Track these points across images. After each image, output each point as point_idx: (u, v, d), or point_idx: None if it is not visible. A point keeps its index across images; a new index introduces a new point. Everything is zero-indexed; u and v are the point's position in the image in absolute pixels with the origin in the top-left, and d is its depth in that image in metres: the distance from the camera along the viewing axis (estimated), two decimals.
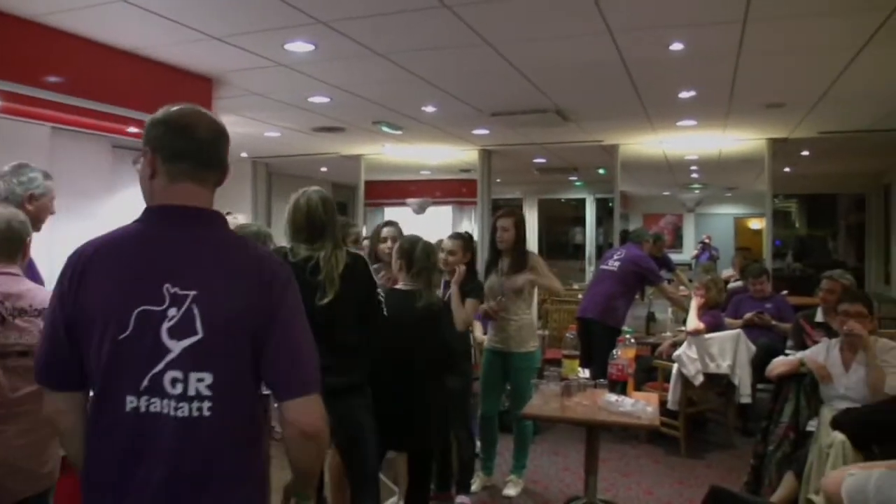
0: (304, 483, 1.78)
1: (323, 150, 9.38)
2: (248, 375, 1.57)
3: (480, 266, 5.02)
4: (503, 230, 4.58)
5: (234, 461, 1.56)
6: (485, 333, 5.04)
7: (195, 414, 1.49)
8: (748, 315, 6.31)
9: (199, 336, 1.50)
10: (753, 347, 5.60)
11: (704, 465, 5.26)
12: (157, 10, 3.84)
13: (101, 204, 4.87)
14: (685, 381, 5.43)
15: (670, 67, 4.99)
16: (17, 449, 2.32)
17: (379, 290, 3.10)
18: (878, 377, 3.63)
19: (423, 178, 11.49)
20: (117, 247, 1.59)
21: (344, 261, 2.94)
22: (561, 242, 16.35)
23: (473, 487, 4.58)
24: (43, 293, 2.44)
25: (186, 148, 1.61)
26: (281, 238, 3.30)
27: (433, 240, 3.82)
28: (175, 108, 1.66)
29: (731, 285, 7.71)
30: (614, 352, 4.08)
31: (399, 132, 7.72)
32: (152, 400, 1.49)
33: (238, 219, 4.66)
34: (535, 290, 4.74)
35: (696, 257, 13.28)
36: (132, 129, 4.73)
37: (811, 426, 3.88)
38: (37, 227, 2.90)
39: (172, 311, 1.50)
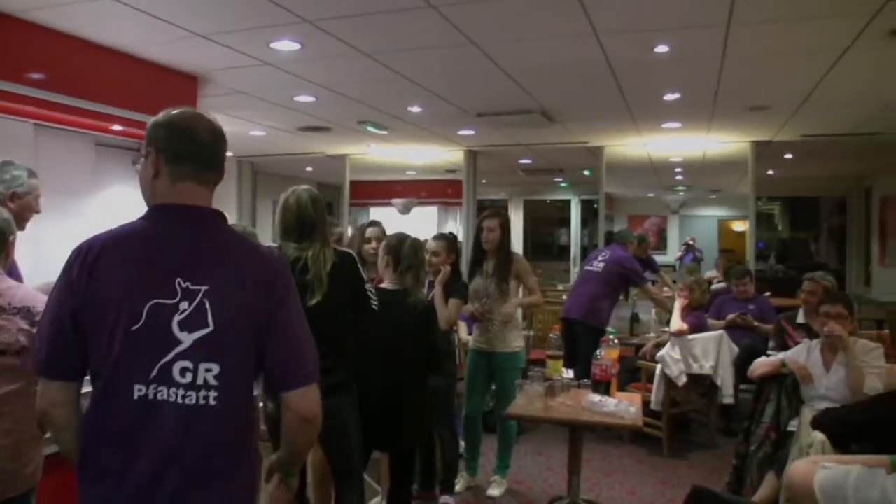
0: (294, 462, 1.93)
1: (308, 149, 9.36)
2: (250, 367, 1.68)
3: (465, 267, 5.02)
4: (489, 230, 4.58)
5: (233, 446, 1.65)
6: (469, 334, 5.05)
7: (202, 402, 1.58)
8: (731, 316, 6.36)
9: (210, 329, 1.59)
10: (736, 348, 5.64)
11: (687, 466, 5.29)
12: (141, 7, 3.81)
13: (85, 202, 4.83)
14: (668, 381, 5.46)
15: (655, 69, 5.02)
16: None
17: (368, 284, 3.10)
18: (857, 378, 3.66)
19: (408, 178, 11.50)
20: (127, 242, 1.65)
21: (332, 259, 2.94)
22: (546, 243, 16.40)
23: (457, 487, 4.58)
24: (22, 291, 2.41)
25: (189, 149, 1.69)
26: (265, 238, 3.29)
27: (420, 240, 3.82)
28: (176, 111, 1.73)
29: (715, 286, 7.77)
30: (598, 352, 4.08)
31: (384, 132, 7.72)
32: (160, 388, 1.56)
33: None
34: (521, 290, 4.74)
35: (681, 259, 13.37)
36: (116, 127, 4.70)
37: (792, 426, 3.91)
38: (21, 226, 2.86)
39: (184, 305, 1.59)
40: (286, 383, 1.71)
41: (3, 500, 2.33)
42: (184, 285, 1.60)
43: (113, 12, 3.87)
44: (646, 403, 5.14)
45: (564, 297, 7.22)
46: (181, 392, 1.57)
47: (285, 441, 1.80)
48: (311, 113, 6.76)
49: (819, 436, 3.36)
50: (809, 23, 3.99)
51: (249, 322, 1.65)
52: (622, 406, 3.63)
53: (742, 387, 5.77)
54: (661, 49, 4.48)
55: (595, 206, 10.43)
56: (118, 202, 5.00)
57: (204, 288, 1.61)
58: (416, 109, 6.59)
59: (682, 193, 14.06)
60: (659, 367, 5.51)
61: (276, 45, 4.50)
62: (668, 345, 5.56)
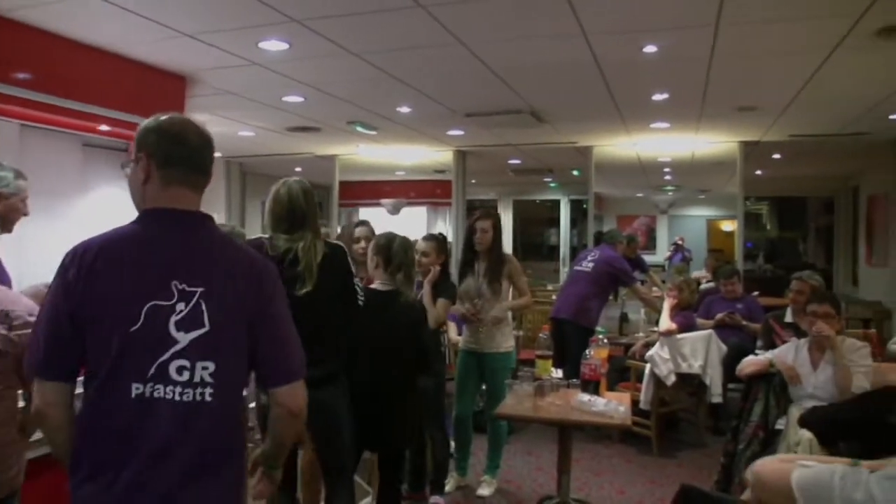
0: (279, 454, 1.99)
1: (297, 149, 9.34)
2: (243, 364, 1.76)
3: (454, 267, 5.02)
4: (482, 232, 4.57)
5: (226, 442, 1.73)
6: (459, 334, 5.04)
7: (198, 399, 1.65)
8: (719, 315, 6.39)
9: (206, 329, 1.66)
10: (724, 347, 5.66)
11: (676, 465, 5.30)
12: (128, 6, 3.78)
13: (72, 204, 4.80)
14: (657, 381, 5.47)
15: (644, 70, 5.03)
16: None
17: (356, 279, 3.09)
18: (845, 376, 3.68)
19: (397, 178, 11.48)
20: (122, 245, 1.70)
21: (323, 251, 2.95)
22: (535, 243, 16.42)
23: (447, 487, 4.58)
24: (2, 293, 2.39)
25: (179, 154, 1.75)
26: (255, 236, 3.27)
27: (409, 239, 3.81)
28: (165, 116, 1.80)
29: (703, 286, 7.80)
30: (587, 352, 4.09)
31: (374, 132, 7.71)
32: (157, 386, 1.62)
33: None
34: (511, 291, 4.75)
35: (670, 259, 13.41)
36: (104, 128, 4.66)
37: (780, 425, 3.93)
38: (7, 228, 2.84)
39: (181, 306, 1.65)
40: (275, 379, 1.80)
41: None
42: (180, 287, 1.66)
43: (100, 11, 3.84)
44: (635, 403, 5.16)
45: (554, 297, 7.23)
46: (178, 389, 1.63)
47: (272, 433, 1.91)
48: (299, 113, 6.75)
49: (806, 434, 3.38)
50: (797, 24, 4.01)
51: (242, 321, 1.73)
52: (611, 405, 3.64)
53: (730, 386, 5.80)
54: (650, 49, 4.50)
55: (584, 206, 10.44)
56: (106, 203, 4.97)
57: (200, 290, 1.67)
58: (405, 110, 6.58)
59: (670, 193, 14.12)
60: (648, 366, 5.52)
61: (264, 45, 4.49)
62: (657, 344, 5.58)
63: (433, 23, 4.01)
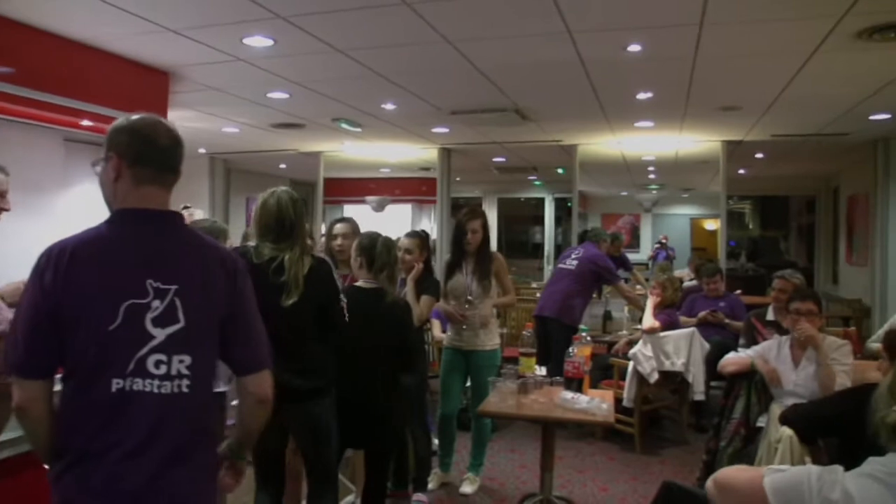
0: (247, 444, 2.07)
1: (282, 146, 9.29)
2: (215, 355, 1.86)
3: (436, 264, 5.01)
4: (473, 232, 4.56)
5: (201, 429, 1.81)
6: (443, 332, 5.04)
7: (175, 390, 1.72)
8: (702, 313, 6.44)
9: (181, 324, 1.74)
10: (707, 345, 5.70)
11: (658, 462, 5.34)
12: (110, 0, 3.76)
13: (54, 200, 4.75)
14: (640, 378, 5.51)
15: (628, 69, 5.05)
16: None
17: (342, 295, 3.09)
18: (828, 375, 3.71)
19: (382, 175, 11.45)
20: (98, 245, 1.75)
21: (309, 264, 2.95)
22: (520, 241, 16.45)
23: (431, 485, 4.58)
24: None
25: (150, 154, 1.80)
26: (236, 235, 3.26)
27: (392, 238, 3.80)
28: (136, 116, 1.85)
29: (686, 284, 7.85)
30: (571, 349, 4.11)
31: (359, 129, 7.69)
32: (136, 380, 1.69)
33: (195, 214, 4.58)
34: (494, 289, 4.75)
35: (654, 257, 13.47)
36: (86, 123, 4.61)
37: (761, 422, 3.96)
38: None
39: (156, 303, 1.73)
40: (244, 368, 1.91)
41: None
42: (155, 285, 1.73)
43: (81, 5, 3.80)
44: (618, 400, 5.20)
45: (538, 294, 7.25)
46: (157, 383, 1.70)
47: (240, 422, 1.99)
48: (284, 110, 6.72)
49: (787, 431, 3.40)
50: (779, 24, 4.04)
51: (215, 315, 1.82)
52: (594, 403, 3.65)
53: (713, 383, 5.84)
54: (634, 48, 4.51)
55: (569, 204, 10.49)
56: (88, 199, 4.91)
57: (174, 287, 1.74)
58: (390, 107, 6.57)
59: (654, 192, 14.18)
60: (631, 364, 5.55)
61: (248, 41, 4.46)
62: (641, 342, 5.61)
63: (418, 20, 4.00)
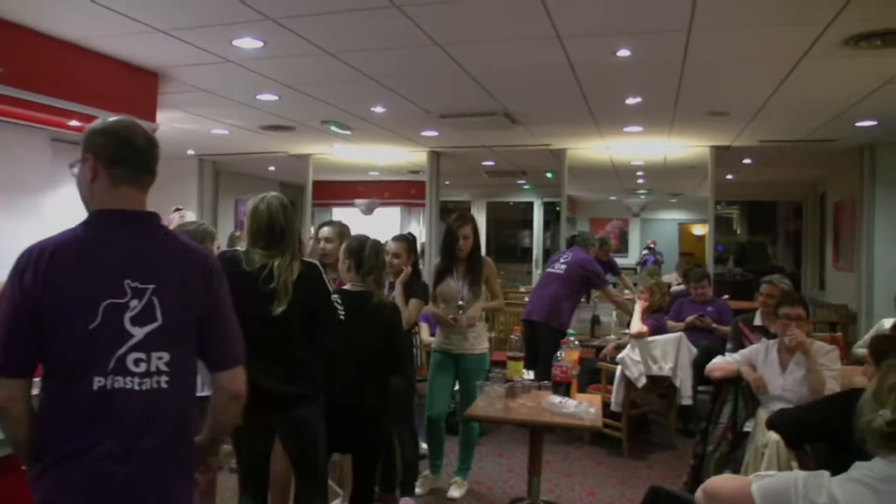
0: (219, 440, 2.12)
1: (271, 148, 9.27)
2: (193, 352, 1.89)
3: (425, 268, 5.00)
4: (464, 238, 4.54)
5: (182, 422, 1.85)
6: (431, 335, 5.03)
7: (155, 386, 1.76)
8: (690, 318, 6.45)
9: (159, 322, 1.78)
10: (695, 350, 5.71)
11: (646, 466, 5.34)
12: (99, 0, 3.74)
13: (40, 200, 4.72)
14: (628, 383, 5.51)
15: (617, 73, 5.07)
16: None
17: (335, 296, 3.08)
18: (819, 381, 3.71)
19: (371, 178, 11.46)
20: (76, 246, 1.78)
21: (298, 269, 2.93)
22: (509, 245, 16.46)
23: (419, 490, 4.57)
24: None
25: (126, 155, 1.83)
26: (225, 238, 3.24)
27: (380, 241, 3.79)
28: (112, 119, 1.88)
29: (674, 289, 7.87)
30: (559, 354, 4.11)
31: (348, 132, 7.69)
32: (116, 378, 1.72)
33: (186, 216, 4.54)
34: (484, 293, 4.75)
35: (642, 262, 13.51)
36: (74, 123, 4.59)
37: (748, 427, 3.97)
38: None
39: (134, 303, 1.76)
40: (219, 364, 1.94)
41: None
42: (132, 285, 1.76)
43: (70, 4, 3.79)
44: (606, 405, 5.20)
45: (526, 298, 7.25)
46: (137, 380, 1.74)
47: (213, 417, 2.01)
48: (274, 112, 6.70)
49: (773, 436, 3.41)
50: (767, 31, 4.07)
51: (192, 313, 1.86)
52: (582, 407, 3.66)
53: (700, 388, 5.86)
54: (623, 53, 4.53)
55: (557, 208, 10.50)
56: (75, 199, 4.88)
57: (151, 286, 1.78)
58: (379, 110, 6.57)
59: (643, 197, 14.24)
60: (619, 368, 5.55)
61: (238, 43, 4.45)
62: (628, 346, 5.62)
63: (408, 23, 4.00)
